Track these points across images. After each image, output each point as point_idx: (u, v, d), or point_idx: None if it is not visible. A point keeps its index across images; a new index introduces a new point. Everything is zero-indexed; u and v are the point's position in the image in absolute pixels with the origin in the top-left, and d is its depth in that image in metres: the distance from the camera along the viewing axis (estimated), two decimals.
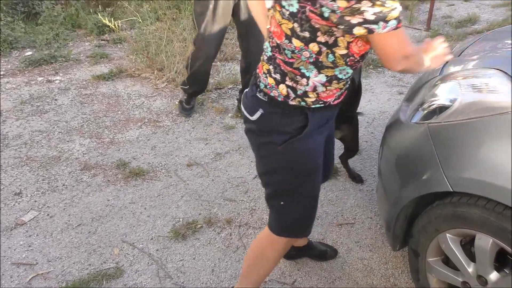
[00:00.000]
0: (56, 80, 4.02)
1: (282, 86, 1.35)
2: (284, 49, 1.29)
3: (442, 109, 1.60)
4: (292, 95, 1.34)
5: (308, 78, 1.31)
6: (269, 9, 1.36)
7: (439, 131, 1.55)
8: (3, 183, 2.66)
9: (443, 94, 1.69)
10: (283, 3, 1.23)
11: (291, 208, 1.53)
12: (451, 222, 1.53)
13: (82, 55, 4.59)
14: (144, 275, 2.05)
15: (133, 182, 2.67)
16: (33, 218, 2.39)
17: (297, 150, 1.41)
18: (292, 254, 2.08)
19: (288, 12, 1.22)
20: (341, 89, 1.38)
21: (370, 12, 1.10)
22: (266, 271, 1.71)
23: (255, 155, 1.54)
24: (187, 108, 3.39)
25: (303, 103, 1.35)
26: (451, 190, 1.46)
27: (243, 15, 2.97)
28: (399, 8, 1.13)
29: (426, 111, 1.68)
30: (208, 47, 3.07)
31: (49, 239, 2.25)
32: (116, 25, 4.69)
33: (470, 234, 1.50)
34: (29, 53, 4.59)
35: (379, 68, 4.15)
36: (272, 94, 1.37)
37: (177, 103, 3.46)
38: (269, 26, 1.35)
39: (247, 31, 3.02)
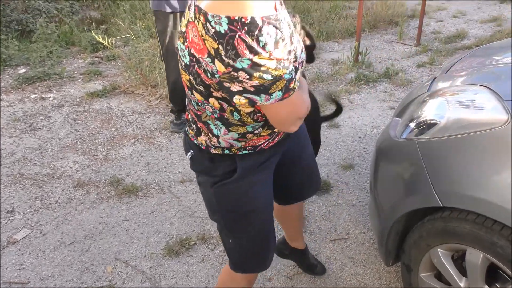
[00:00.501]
0: (50, 97, 4.03)
1: (200, 138, 1.28)
2: (191, 101, 1.21)
3: (430, 125, 1.63)
4: (211, 146, 1.27)
5: (217, 137, 1.22)
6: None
7: (428, 147, 1.57)
8: None
9: (431, 111, 1.72)
10: (179, 52, 1.12)
11: (240, 246, 1.46)
12: (442, 237, 1.54)
13: (76, 72, 4.62)
14: None
15: (126, 199, 2.66)
16: (26, 236, 2.38)
17: (231, 192, 1.33)
18: (285, 254, 2.09)
19: (183, 64, 1.11)
20: (269, 134, 1.27)
21: (248, 84, 0.99)
22: None
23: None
24: (178, 123, 3.43)
25: (227, 151, 1.27)
26: (441, 205, 1.48)
27: None
28: (288, 74, 1.01)
29: (415, 127, 1.71)
30: (175, 61, 3.17)
31: (42, 257, 2.23)
32: (110, 43, 4.71)
33: (461, 249, 1.52)
34: (23, 70, 4.61)
35: (371, 84, 4.20)
36: (195, 142, 1.31)
37: (170, 122, 3.49)
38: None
39: None
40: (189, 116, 1.32)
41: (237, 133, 1.20)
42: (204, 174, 1.35)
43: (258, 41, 0.94)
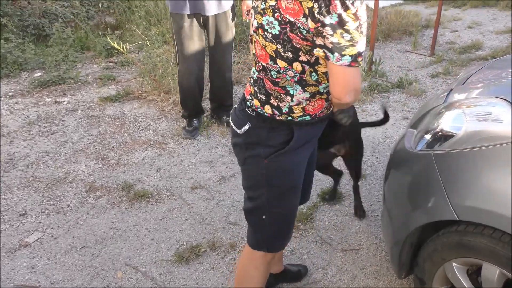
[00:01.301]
0: (64, 101, 4.07)
1: (267, 107, 1.41)
2: (270, 70, 1.36)
3: (447, 137, 1.61)
4: (277, 113, 1.40)
5: (292, 95, 1.36)
6: (251, 35, 1.42)
7: (444, 159, 1.55)
8: (8, 203, 2.67)
9: (448, 122, 1.70)
10: (265, 27, 1.29)
11: (270, 222, 1.55)
12: (457, 251, 1.52)
13: (90, 77, 4.66)
14: None
15: (137, 205, 2.67)
16: (37, 239, 2.39)
17: (282, 164, 1.45)
18: (271, 282, 2.04)
19: (270, 35, 1.28)
20: (326, 100, 1.41)
21: (329, 40, 1.16)
22: None
23: (241, 169, 1.57)
24: (190, 130, 3.43)
25: (289, 118, 1.40)
26: (457, 218, 1.45)
27: (211, 29, 3.20)
28: (360, 48, 1.18)
29: (431, 139, 1.69)
30: (188, 63, 3.24)
31: (53, 261, 2.24)
32: (124, 48, 4.75)
33: (476, 263, 1.49)
34: (38, 74, 4.67)
35: (384, 93, 4.18)
36: (259, 111, 1.42)
37: (182, 128, 3.50)
38: (254, 51, 1.41)
39: (215, 43, 3.27)
40: (254, 89, 1.44)
41: (310, 92, 1.36)
42: (259, 146, 1.43)
43: None
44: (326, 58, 1.21)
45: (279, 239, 1.62)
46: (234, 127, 1.50)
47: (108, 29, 5.75)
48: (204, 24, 3.20)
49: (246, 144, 1.46)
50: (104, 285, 2.10)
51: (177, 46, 3.21)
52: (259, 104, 1.43)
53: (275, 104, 1.39)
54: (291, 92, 1.36)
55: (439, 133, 1.66)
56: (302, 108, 1.39)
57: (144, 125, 3.65)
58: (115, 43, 4.37)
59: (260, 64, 1.39)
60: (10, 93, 4.22)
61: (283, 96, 1.37)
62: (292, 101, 1.37)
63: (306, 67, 1.30)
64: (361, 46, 1.19)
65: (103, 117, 3.78)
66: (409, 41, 5.70)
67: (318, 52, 1.22)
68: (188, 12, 3.06)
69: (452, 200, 1.46)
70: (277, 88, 1.37)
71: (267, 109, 1.41)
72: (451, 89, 2.04)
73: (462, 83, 2.07)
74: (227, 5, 3.18)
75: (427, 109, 2.01)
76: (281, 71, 1.33)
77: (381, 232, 2.41)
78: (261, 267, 1.65)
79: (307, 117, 1.41)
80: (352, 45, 1.17)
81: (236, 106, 1.54)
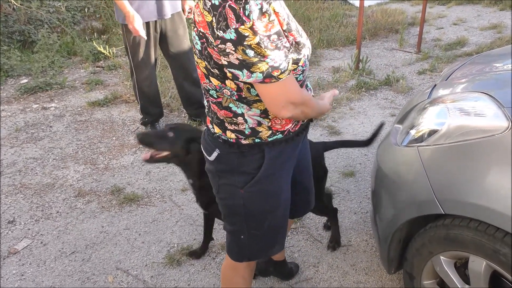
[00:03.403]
0: (51, 107, 4.05)
1: (229, 132, 1.29)
2: (208, 90, 1.25)
3: (431, 132, 1.63)
4: (241, 137, 1.28)
5: (243, 115, 1.24)
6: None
7: (429, 154, 1.57)
8: None
9: (432, 118, 1.71)
10: (193, 41, 1.18)
11: (253, 240, 1.46)
12: (444, 245, 1.53)
13: (77, 82, 4.64)
14: None
15: (127, 208, 2.66)
16: (26, 246, 2.37)
17: (261, 191, 1.35)
18: (270, 270, 2.09)
19: (197, 51, 1.18)
20: None
21: (234, 56, 1.06)
22: None
23: (216, 196, 1.46)
24: None
25: (257, 140, 1.29)
26: (443, 212, 1.47)
27: (170, 32, 3.25)
28: (273, 62, 1.06)
29: (415, 134, 1.71)
30: (147, 70, 3.26)
31: (42, 268, 2.23)
32: (111, 52, 4.74)
33: (464, 256, 1.51)
34: (25, 80, 4.63)
35: (371, 91, 4.21)
36: (224, 138, 1.31)
37: None
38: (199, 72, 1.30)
39: (177, 46, 3.32)
40: (210, 115, 1.34)
41: (258, 109, 1.23)
42: (232, 174, 1.33)
43: (244, 9, 1.01)
44: (236, 78, 1.10)
45: (263, 251, 1.54)
46: (204, 153, 1.39)
47: (95, 33, 5.73)
48: (161, 29, 3.19)
49: (218, 172, 1.35)
50: None
51: (134, 55, 3.19)
52: (220, 131, 1.30)
53: (234, 128, 1.27)
54: (239, 111, 1.23)
55: (424, 129, 1.68)
56: (268, 127, 1.27)
57: (132, 128, 3.64)
58: (102, 47, 4.36)
59: (203, 85, 1.27)
60: None
61: (234, 119, 1.25)
62: (246, 122, 1.25)
63: (241, 84, 1.16)
64: (275, 60, 1.06)
65: (91, 122, 3.76)
66: (396, 39, 5.75)
67: (227, 71, 1.11)
68: (142, 21, 3.01)
69: (437, 194, 1.48)
70: (223, 111, 1.25)
71: (230, 135, 1.29)
72: (435, 85, 2.07)
73: (446, 78, 2.10)
74: (178, 4, 3.23)
75: (412, 105, 2.02)
76: (217, 90, 1.21)
77: (371, 229, 2.43)
78: (247, 274, 1.61)
79: (279, 135, 1.30)
80: (261, 61, 1.05)
81: (205, 129, 1.42)
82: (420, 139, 1.66)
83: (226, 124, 1.28)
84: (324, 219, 2.52)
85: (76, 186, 2.88)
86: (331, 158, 3.12)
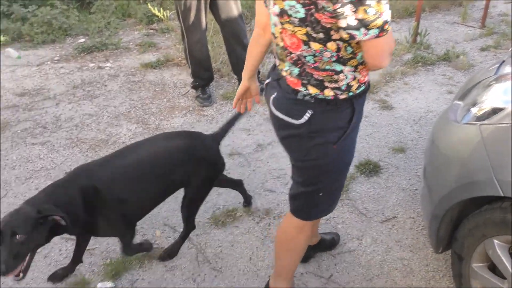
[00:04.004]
0: (107, 66, 4.16)
1: (327, 91, 1.34)
2: (305, 57, 1.30)
3: (495, 110, 1.54)
4: (339, 92, 1.35)
5: (342, 71, 1.32)
6: (273, 33, 1.39)
7: (492, 133, 1.50)
8: (55, 162, 2.79)
9: (497, 95, 1.63)
10: (289, 12, 1.23)
11: (328, 197, 1.58)
12: (500, 228, 1.48)
13: (131, 43, 4.73)
14: (184, 258, 2.11)
15: None
16: None
17: (347, 144, 1.45)
18: (311, 256, 2.06)
19: (297, 20, 1.23)
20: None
21: (353, 17, 1.13)
22: (298, 256, 1.75)
23: (297, 163, 1.51)
24: (205, 97, 3.50)
25: (350, 94, 1.37)
26: (502, 195, 1.41)
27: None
28: (385, 16, 1.14)
29: (478, 112, 1.63)
30: (198, 34, 3.27)
31: None
32: (165, 15, 4.77)
33: None
34: (82, 40, 4.78)
35: (428, 66, 4.03)
36: (320, 97, 1.35)
37: (195, 99, 3.53)
38: (281, 44, 1.35)
39: (227, 12, 3.31)
40: (302, 81, 1.36)
41: (351, 66, 1.32)
42: (325, 132, 1.39)
43: None
44: (352, 38, 1.17)
45: (328, 209, 1.66)
46: (287, 118, 1.40)
47: None
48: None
49: (311, 133, 1.39)
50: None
51: (185, 19, 3.22)
52: (317, 91, 1.35)
53: (333, 86, 1.34)
54: (338, 68, 1.31)
55: (487, 106, 1.59)
56: (358, 80, 1.36)
57: (183, 91, 3.69)
58: (156, 10, 4.39)
59: (293, 55, 1.33)
60: (56, 58, 4.35)
61: (335, 76, 1.32)
62: (346, 77, 1.33)
63: (341, 43, 1.25)
64: (386, 15, 1.15)
65: (143, 83, 3.84)
66: (458, 12, 5.43)
67: (342, 34, 1.19)
68: None
69: (497, 175, 1.42)
70: (324, 72, 1.31)
71: (328, 93, 1.34)
72: (503, 61, 1.94)
73: None
74: None
75: (476, 82, 1.92)
76: (316, 54, 1.28)
77: (419, 207, 2.38)
78: (309, 231, 1.70)
79: (363, 87, 1.40)
80: (378, 17, 1.13)
81: (276, 96, 1.44)
82: (483, 117, 1.59)
83: (326, 83, 1.34)
84: (371, 192, 2.49)
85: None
86: (381, 133, 3.05)
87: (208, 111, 3.39)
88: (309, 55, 1.29)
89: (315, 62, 1.30)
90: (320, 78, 1.33)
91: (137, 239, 2.21)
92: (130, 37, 4.91)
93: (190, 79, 3.62)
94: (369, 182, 2.57)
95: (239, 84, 3.65)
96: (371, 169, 2.65)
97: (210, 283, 1.98)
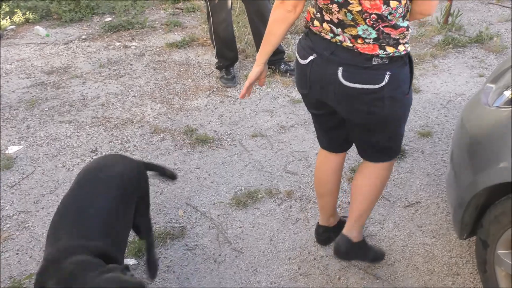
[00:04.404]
0: (132, 46, 4.19)
1: (401, 47, 1.45)
2: (386, 16, 1.38)
3: None
4: (407, 45, 1.48)
5: (408, 27, 1.45)
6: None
7: None
8: (81, 140, 2.85)
9: None
10: None
11: (402, 137, 1.77)
12: None
13: (157, 22, 4.73)
14: (205, 238, 2.13)
15: (199, 148, 2.75)
16: None
17: (411, 90, 1.62)
18: (330, 236, 2.03)
19: None
20: None
21: None
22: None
23: (377, 124, 1.61)
24: (229, 78, 3.47)
25: (408, 45, 1.50)
26: None
27: None
28: None
29: (510, 96, 1.56)
30: (223, 13, 3.24)
31: None
32: None
33: None
34: (109, 19, 4.81)
35: (459, 48, 3.90)
36: (396, 54, 1.45)
37: (219, 80, 3.52)
38: (359, 8, 1.38)
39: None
40: (379, 44, 1.43)
41: (408, 20, 1.45)
42: (399, 87, 1.51)
43: None
44: None
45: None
46: (367, 86, 1.47)
47: None
48: None
49: (390, 91, 1.49)
50: (166, 221, 2.23)
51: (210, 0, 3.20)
52: (394, 49, 1.44)
53: (405, 41, 1.46)
54: (405, 24, 1.43)
55: None
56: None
57: (207, 72, 3.69)
58: None
59: (373, 15, 1.37)
60: (83, 37, 4.40)
61: (406, 32, 1.44)
62: (408, 30, 1.45)
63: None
64: None
65: (168, 63, 3.86)
66: None
67: None
68: None
69: None
70: (399, 29, 1.41)
71: (401, 48, 1.45)
72: None
73: None
74: None
75: (509, 64, 1.84)
76: (392, 11, 1.37)
77: (444, 192, 2.33)
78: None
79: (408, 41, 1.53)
80: None
81: (342, 69, 1.48)
82: None
83: (400, 40, 1.44)
84: (394, 177, 2.45)
85: (153, 123, 3.01)
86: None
87: (231, 92, 3.38)
88: (388, 14, 1.37)
89: (391, 20, 1.39)
90: (397, 37, 1.43)
91: (160, 218, 2.25)
92: (156, 16, 4.91)
93: (214, 60, 3.60)
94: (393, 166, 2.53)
95: (269, 68, 3.64)
96: None
97: (230, 263, 2.00)
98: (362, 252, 1.92)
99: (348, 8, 1.38)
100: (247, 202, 2.33)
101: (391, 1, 1.34)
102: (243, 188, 2.43)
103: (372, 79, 1.46)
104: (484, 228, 1.62)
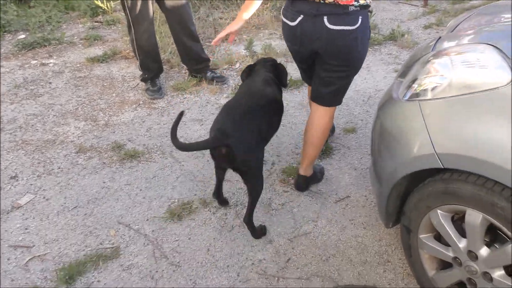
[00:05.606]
0: (50, 63, 3.99)
1: None
2: None
3: (434, 86, 1.59)
4: None
5: None
6: None
7: (430, 108, 1.54)
8: None
9: (435, 71, 1.67)
10: None
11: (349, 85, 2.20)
12: (442, 199, 1.53)
13: (75, 37, 4.55)
14: (140, 256, 2.07)
15: (128, 164, 2.67)
16: (29, 201, 2.40)
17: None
18: (304, 186, 2.40)
19: None
20: None
21: None
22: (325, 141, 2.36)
23: (345, 61, 2.02)
24: (155, 89, 3.42)
25: None
26: (442, 166, 1.46)
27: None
28: None
29: (417, 88, 1.67)
30: (145, 24, 3.19)
31: (46, 222, 2.26)
32: (109, 6, 4.62)
33: (461, 210, 1.51)
34: (22, 36, 4.55)
35: (376, 46, 4.11)
36: (364, 4, 1.91)
37: (145, 92, 3.45)
38: None
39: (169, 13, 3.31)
40: None
41: None
42: (367, 29, 2.00)
43: None
44: None
45: None
46: (346, 27, 1.91)
47: None
48: None
49: (361, 33, 1.95)
50: (98, 243, 2.13)
51: (131, 9, 3.12)
52: (364, 0, 1.89)
53: None
54: None
55: (426, 82, 1.64)
56: None
57: (132, 85, 3.60)
58: (100, 1, 4.24)
59: None
60: None
61: None
62: None
63: None
64: None
65: (90, 78, 3.71)
66: None
67: None
68: None
69: (437, 149, 1.46)
70: None
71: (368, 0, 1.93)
72: (440, 37, 2.00)
73: (452, 30, 2.03)
74: None
75: (416, 58, 1.97)
76: None
77: (370, 184, 2.43)
78: None
79: None
80: None
81: (326, 18, 1.90)
82: (423, 93, 1.63)
83: None
84: (324, 174, 2.52)
85: (77, 143, 2.88)
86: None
87: (159, 104, 3.32)
88: None
89: None
90: None
91: (91, 241, 2.15)
92: (74, 31, 4.72)
93: (139, 72, 3.53)
94: (322, 164, 2.61)
95: (189, 75, 3.65)
96: (323, 151, 2.68)
97: (168, 279, 1.96)
98: (314, 179, 2.44)
99: None
100: (182, 214, 2.29)
101: None
102: (176, 200, 2.39)
103: (350, 21, 1.91)
104: (406, 215, 1.71)
